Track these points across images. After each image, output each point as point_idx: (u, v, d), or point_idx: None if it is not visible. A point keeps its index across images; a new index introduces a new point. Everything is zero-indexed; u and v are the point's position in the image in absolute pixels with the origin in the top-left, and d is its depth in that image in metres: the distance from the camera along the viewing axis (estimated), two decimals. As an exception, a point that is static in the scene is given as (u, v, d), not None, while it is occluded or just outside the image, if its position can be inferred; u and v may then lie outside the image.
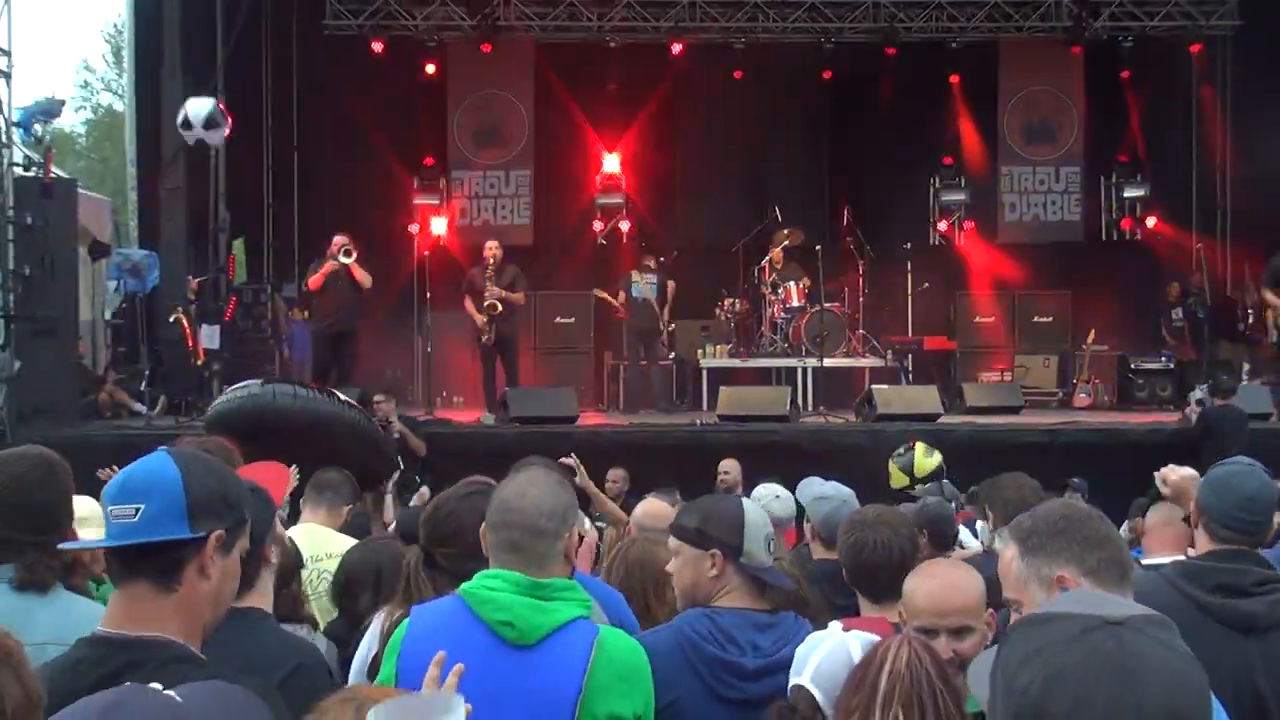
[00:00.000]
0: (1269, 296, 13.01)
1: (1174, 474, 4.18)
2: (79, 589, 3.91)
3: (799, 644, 3.06)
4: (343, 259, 13.56)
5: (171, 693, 1.46)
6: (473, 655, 2.78)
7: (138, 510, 2.39)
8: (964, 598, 3.07)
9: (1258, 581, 3.51)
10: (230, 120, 13.53)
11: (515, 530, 3.10)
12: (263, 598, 3.22)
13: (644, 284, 15.36)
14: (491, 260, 14.41)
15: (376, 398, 12.16)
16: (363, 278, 13.66)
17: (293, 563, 3.97)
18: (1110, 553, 2.63)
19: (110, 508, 2.44)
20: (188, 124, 13.33)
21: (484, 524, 3.24)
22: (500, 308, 14.20)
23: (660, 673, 3.17)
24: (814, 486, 5.06)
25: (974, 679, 1.68)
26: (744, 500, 3.81)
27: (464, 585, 3.11)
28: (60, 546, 2.90)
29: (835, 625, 2.97)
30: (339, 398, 8.20)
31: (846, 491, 4.99)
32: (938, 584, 3.12)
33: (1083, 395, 15.71)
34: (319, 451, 5.54)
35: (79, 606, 3.39)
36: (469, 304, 14.44)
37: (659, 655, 3.29)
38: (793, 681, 2.89)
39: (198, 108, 13.22)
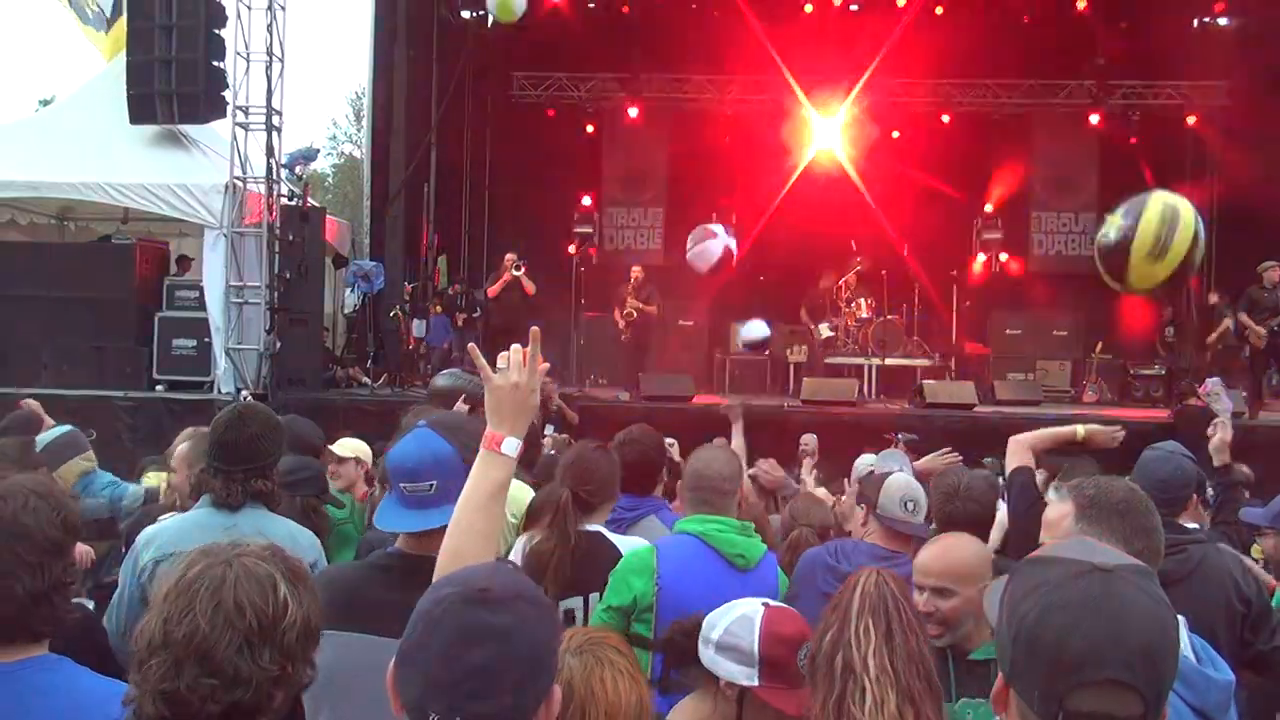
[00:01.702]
0: (1244, 319, 12.52)
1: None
2: (317, 510, 3.98)
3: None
4: (514, 272, 13.71)
5: None
6: (717, 577, 3.29)
7: (432, 485, 2.41)
8: (950, 566, 2.87)
9: (1170, 545, 3.41)
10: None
11: (706, 491, 3.48)
12: None
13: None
14: (634, 281, 14.42)
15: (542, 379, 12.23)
16: (529, 286, 13.78)
17: None
18: (1152, 542, 2.40)
19: (403, 484, 2.44)
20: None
21: (680, 483, 3.66)
22: (636, 315, 14.22)
23: (802, 568, 3.67)
24: (867, 459, 5.02)
25: (988, 601, 1.61)
26: (896, 472, 3.84)
27: (692, 527, 3.43)
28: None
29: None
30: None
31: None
32: (934, 552, 2.97)
33: (1090, 393, 15.23)
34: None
35: (268, 520, 3.41)
36: (616, 311, 14.48)
37: (806, 560, 3.74)
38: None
39: (752, 331, 14.15)
